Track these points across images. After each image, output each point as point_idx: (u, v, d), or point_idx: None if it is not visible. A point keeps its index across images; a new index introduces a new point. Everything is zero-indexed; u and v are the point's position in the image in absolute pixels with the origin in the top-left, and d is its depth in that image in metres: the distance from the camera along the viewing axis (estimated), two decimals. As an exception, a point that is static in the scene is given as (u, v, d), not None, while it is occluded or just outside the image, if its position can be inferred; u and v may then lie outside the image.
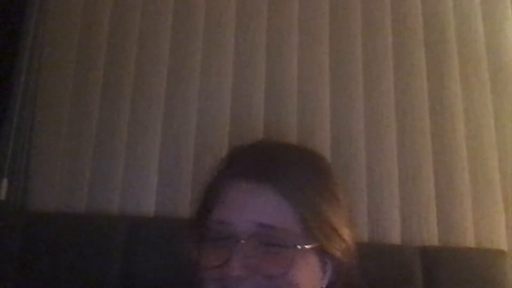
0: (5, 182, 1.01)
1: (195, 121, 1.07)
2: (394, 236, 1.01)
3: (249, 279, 0.57)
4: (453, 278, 0.94)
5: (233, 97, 1.08)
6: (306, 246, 0.60)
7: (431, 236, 1.01)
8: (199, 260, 0.61)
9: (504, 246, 1.01)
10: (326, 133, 1.07)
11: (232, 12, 1.13)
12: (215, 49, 1.11)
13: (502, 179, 1.05)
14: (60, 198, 1.03)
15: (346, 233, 0.64)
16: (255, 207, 0.60)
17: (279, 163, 0.63)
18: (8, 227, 0.96)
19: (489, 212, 1.03)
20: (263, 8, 1.14)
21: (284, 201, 0.60)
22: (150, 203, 1.02)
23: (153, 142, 1.06)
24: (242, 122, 1.07)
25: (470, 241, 1.01)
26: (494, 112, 1.09)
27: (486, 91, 1.11)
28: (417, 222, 1.02)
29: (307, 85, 1.09)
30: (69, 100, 1.09)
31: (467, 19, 1.15)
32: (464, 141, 1.07)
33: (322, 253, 0.61)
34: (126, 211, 1.01)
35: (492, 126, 1.08)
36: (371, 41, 1.13)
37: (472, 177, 1.05)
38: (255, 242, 0.58)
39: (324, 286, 0.63)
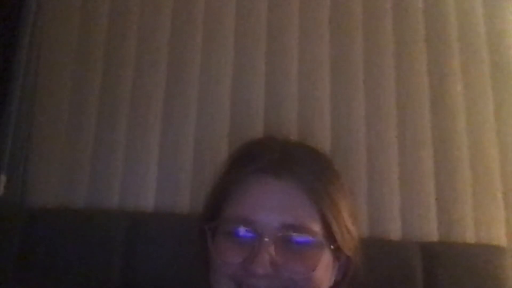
0: (4, 177, 1.00)
1: (195, 116, 1.07)
2: (394, 232, 1.01)
3: (273, 278, 0.57)
4: (452, 274, 0.94)
5: (233, 93, 1.08)
6: (331, 247, 0.60)
7: (431, 231, 1.01)
8: (216, 256, 0.59)
9: (503, 243, 1.02)
10: (327, 128, 1.07)
11: (232, 9, 1.13)
12: (214, 45, 1.11)
13: (503, 175, 1.05)
14: (60, 193, 1.02)
15: (355, 231, 0.64)
16: (279, 206, 0.59)
17: (297, 160, 0.63)
18: (7, 223, 0.96)
19: (489, 208, 1.03)
20: (263, 6, 1.13)
21: (307, 199, 0.60)
22: (150, 198, 1.02)
23: (152, 137, 1.05)
24: (242, 118, 1.07)
25: (470, 237, 1.01)
26: (494, 108, 1.09)
27: (487, 87, 1.11)
28: (417, 217, 1.02)
29: (307, 81, 1.09)
30: (68, 95, 1.08)
31: (468, 15, 1.15)
32: (465, 138, 1.07)
33: (336, 251, 0.62)
34: (126, 206, 1.01)
35: (493, 122, 1.08)
36: (371, 37, 1.12)
37: (473, 173, 1.05)
38: (280, 241, 0.57)
39: (332, 283, 0.63)
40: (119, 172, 1.03)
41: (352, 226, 0.64)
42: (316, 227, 0.60)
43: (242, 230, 0.59)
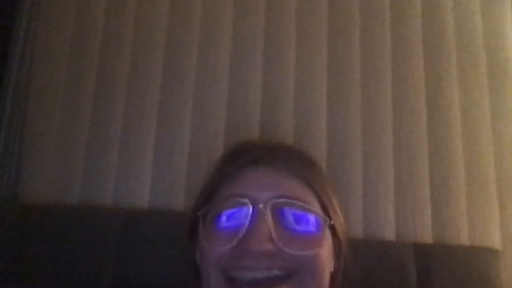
0: (-4, 173, 1.00)
1: (190, 113, 1.06)
2: (389, 233, 1.01)
3: (273, 258, 0.52)
4: (446, 276, 0.94)
5: (229, 92, 1.08)
6: (331, 223, 0.58)
7: (425, 233, 1.01)
8: (206, 243, 0.55)
9: (498, 245, 1.02)
10: (322, 130, 1.06)
11: (229, 9, 1.12)
12: (211, 44, 1.10)
13: (498, 177, 1.05)
14: (53, 189, 1.01)
15: (343, 221, 0.64)
16: (272, 184, 0.57)
17: (287, 152, 0.64)
18: (0, 218, 0.95)
19: (484, 210, 1.03)
20: (260, 5, 1.13)
21: (300, 181, 0.59)
22: (144, 195, 1.01)
23: (147, 133, 1.05)
24: (238, 117, 1.06)
25: (464, 239, 1.01)
26: (491, 110, 1.09)
27: (483, 89, 1.11)
28: (411, 219, 1.02)
29: (304, 83, 1.09)
30: (62, 91, 1.07)
31: (466, 17, 1.15)
32: (460, 139, 1.07)
33: (334, 235, 0.61)
34: (120, 203, 1.00)
35: (489, 124, 1.09)
36: (369, 39, 1.12)
37: (468, 175, 1.05)
38: (277, 211, 0.54)
39: (332, 269, 0.61)
40: (113, 169, 1.03)
41: (341, 214, 0.63)
42: (314, 201, 0.58)
43: (234, 207, 0.55)
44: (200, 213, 0.59)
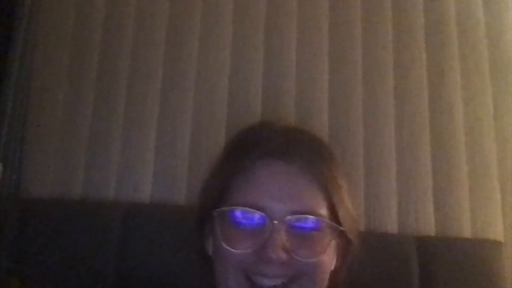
0: (-1, 167, 1.00)
1: (192, 107, 1.06)
2: (391, 226, 1.01)
3: (285, 265, 0.55)
4: (449, 268, 0.94)
5: (230, 84, 1.08)
6: (337, 230, 0.59)
7: (427, 226, 1.01)
8: (226, 244, 0.56)
9: (500, 237, 1.01)
10: (324, 122, 1.06)
11: (230, 2, 1.12)
12: (212, 35, 1.10)
13: (500, 170, 1.05)
14: (55, 184, 1.02)
15: (355, 213, 0.64)
16: (288, 194, 0.58)
17: (303, 143, 0.62)
18: (2, 213, 0.95)
19: (486, 203, 1.03)
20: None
21: (315, 184, 0.59)
22: (146, 189, 1.01)
23: (149, 128, 1.05)
24: (239, 109, 1.06)
25: (466, 231, 1.01)
26: (493, 104, 1.09)
27: (486, 83, 1.10)
28: (414, 211, 1.02)
29: (305, 73, 1.09)
30: (64, 85, 1.08)
31: (468, 11, 1.14)
32: (463, 132, 1.07)
33: (341, 236, 0.61)
34: (122, 197, 1.01)
35: (491, 117, 1.08)
36: (371, 31, 1.12)
37: (470, 167, 1.05)
38: (289, 226, 0.56)
39: (332, 268, 0.62)
40: (115, 164, 1.03)
41: (353, 209, 0.64)
42: (323, 211, 0.59)
43: (252, 217, 0.57)
44: (215, 212, 0.59)
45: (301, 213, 0.57)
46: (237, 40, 1.10)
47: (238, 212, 0.58)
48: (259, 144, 0.61)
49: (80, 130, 1.05)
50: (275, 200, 0.57)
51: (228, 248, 0.56)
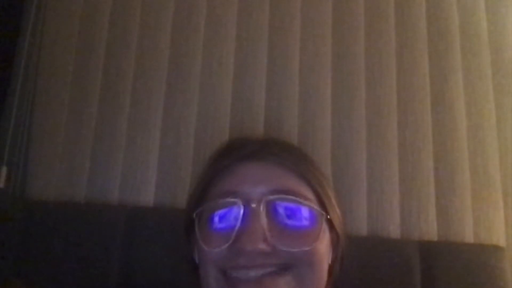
0: (4, 170, 1.00)
1: (196, 111, 1.06)
2: (393, 230, 1.01)
3: (268, 255, 0.52)
4: (451, 273, 0.94)
5: (234, 89, 1.08)
6: (328, 217, 0.57)
7: (430, 230, 1.01)
8: (203, 243, 0.55)
9: (502, 242, 1.02)
10: (327, 126, 1.06)
11: (234, 5, 1.12)
12: (216, 41, 1.10)
13: (503, 175, 1.05)
14: (60, 186, 1.02)
15: (341, 213, 0.63)
16: (264, 178, 0.56)
17: (279, 146, 0.63)
18: (7, 215, 0.96)
19: (489, 208, 1.03)
20: (265, 2, 1.13)
21: (296, 176, 0.58)
22: (150, 193, 1.02)
23: (153, 132, 1.05)
24: (243, 114, 1.07)
25: (468, 236, 1.01)
26: (495, 107, 1.09)
27: (488, 87, 1.11)
28: (416, 216, 1.02)
29: (308, 79, 1.09)
30: (69, 88, 1.08)
31: (470, 14, 1.15)
32: (465, 136, 1.07)
33: (331, 228, 0.60)
34: (126, 200, 1.01)
35: (494, 121, 1.08)
36: (373, 35, 1.12)
37: (472, 172, 1.05)
38: (270, 208, 0.54)
39: (329, 262, 0.61)
40: (119, 167, 1.03)
41: (339, 207, 0.63)
42: (309, 194, 0.57)
43: (229, 211, 0.54)
44: (194, 214, 0.59)
45: (281, 191, 0.54)
46: (240, 43, 1.10)
47: (213, 208, 0.56)
48: (236, 148, 0.62)
49: (85, 134, 1.05)
50: (251, 183, 0.55)
51: (205, 248, 0.55)
